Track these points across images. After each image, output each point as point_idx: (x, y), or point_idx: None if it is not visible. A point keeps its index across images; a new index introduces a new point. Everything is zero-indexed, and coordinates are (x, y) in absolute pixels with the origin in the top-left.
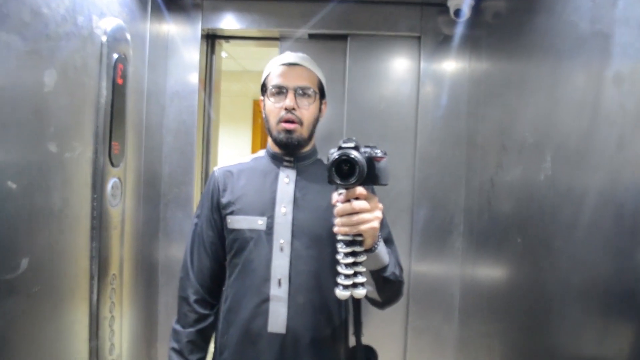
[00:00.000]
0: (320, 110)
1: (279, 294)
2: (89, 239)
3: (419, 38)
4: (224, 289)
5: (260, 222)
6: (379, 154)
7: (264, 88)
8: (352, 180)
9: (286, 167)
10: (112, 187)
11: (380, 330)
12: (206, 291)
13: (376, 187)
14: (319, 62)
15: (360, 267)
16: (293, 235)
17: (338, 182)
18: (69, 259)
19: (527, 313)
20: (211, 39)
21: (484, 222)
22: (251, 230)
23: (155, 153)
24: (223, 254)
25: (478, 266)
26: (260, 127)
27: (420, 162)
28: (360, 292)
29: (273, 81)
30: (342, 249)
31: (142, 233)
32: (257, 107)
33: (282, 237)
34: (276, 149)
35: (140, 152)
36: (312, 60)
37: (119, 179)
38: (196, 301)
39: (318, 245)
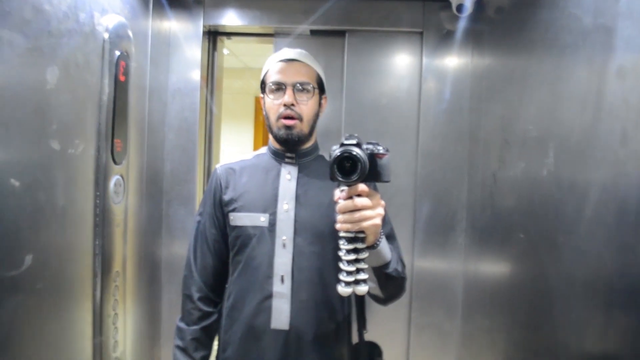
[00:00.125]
0: (320, 105)
1: (281, 290)
2: (92, 236)
3: (421, 34)
4: (227, 286)
5: (262, 219)
6: (381, 151)
7: (263, 85)
8: (354, 177)
9: (288, 163)
10: (115, 185)
11: (382, 326)
12: (210, 289)
13: (378, 184)
14: (320, 59)
15: (363, 263)
16: (295, 232)
17: (340, 179)
18: (72, 256)
19: (530, 309)
20: (213, 35)
21: (486, 217)
22: (254, 227)
23: (158, 150)
24: (226, 251)
25: (481, 262)
26: (262, 124)
27: (423, 158)
28: (363, 289)
29: (271, 78)
30: (344, 245)
31: (145, 230)
32: (258, 104)
33: (285, 233)
34: (277, 146)
35: (143, 150)
36: (311, 55)
37: (122, 176)
38: (200, 299)
39: (320, 242)
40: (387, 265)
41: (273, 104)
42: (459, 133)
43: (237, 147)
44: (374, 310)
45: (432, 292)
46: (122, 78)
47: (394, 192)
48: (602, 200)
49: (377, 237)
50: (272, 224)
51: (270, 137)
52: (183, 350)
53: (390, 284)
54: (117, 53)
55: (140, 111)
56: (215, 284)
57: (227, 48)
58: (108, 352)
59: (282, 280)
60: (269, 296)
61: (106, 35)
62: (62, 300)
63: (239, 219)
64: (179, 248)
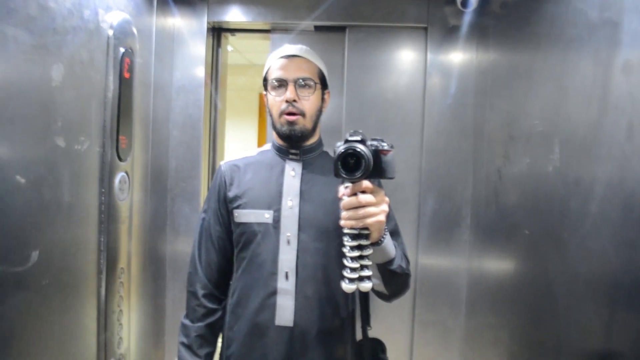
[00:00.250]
0: (323, 100)
1: (286, 287)
2: (97, 233)
3: (425, 29)
4: (231, 282)
5: (267, 216)
6: (386, 147)
7: (265, 82)
8: (358, 174)
9: (292, 160)
10: (120, 181)
11: (386, 323)
12: (214, 285)
13: (383, 180)
14: (323, 55)
15: (367, 260)
16: (300, 228)
17: (344, 175)
18: (78, 253)
19: (535, 305)
20: (217, 32)
21: (491, 214)
22: (258, 224)
23: (162, 147)
24: (230, 248)
25: (485, 258)
26: (267, 121)
27: (427, 154)
28: (367, 286)
29: (273, 74)
30: (348, 242)
31: (150, 227)
32: (263, 100)
33: (289, 230)
34: (281, 142)
35: (147, 146)
36: (312, 51)
37: (127, 173)
38: (204, 296)
39: (325, 238)
40: (391, 261)
41: (275, 100)
42: (464, 129)
43: (242, 144)
44: (377, 307)
45: (436, 288)
46: (126, 75)
47: (399, 188)
48: (608, 196)
49: (381, 233)
50: (277, 221)
51: (274, 133)
52: (188, 347)
53: (394, 280)
54: (122, 50)
55: (144, 108)
56: (220, 281)
57: (231, 45)
58: (113, 348)
59: (287, 276)
60: (274, 293)
61: (111, 32)
62: (68, 296)
63: (243, 215)
64: (184, 245)
